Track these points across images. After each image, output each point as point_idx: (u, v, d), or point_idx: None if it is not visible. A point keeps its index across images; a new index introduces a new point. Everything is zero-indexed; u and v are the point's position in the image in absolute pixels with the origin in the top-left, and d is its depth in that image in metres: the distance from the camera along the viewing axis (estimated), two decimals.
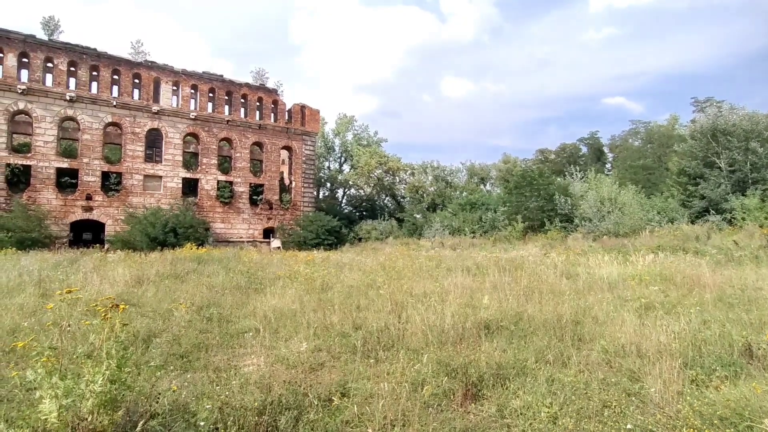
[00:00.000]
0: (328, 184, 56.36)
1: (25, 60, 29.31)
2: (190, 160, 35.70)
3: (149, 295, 10.34)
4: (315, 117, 40.56)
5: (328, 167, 58.17)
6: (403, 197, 56.07)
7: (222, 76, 35.95)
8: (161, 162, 33.23)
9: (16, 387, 4.78)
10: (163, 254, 20.17)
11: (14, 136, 29.63)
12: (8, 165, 28.17)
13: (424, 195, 52.72)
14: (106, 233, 30.06)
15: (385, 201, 58.27)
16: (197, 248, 22.59)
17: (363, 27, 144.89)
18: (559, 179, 35.84)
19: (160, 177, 32.74)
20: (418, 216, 43.56)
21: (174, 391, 3.56)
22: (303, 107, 39.86)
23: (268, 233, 36.98)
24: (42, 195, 28.63)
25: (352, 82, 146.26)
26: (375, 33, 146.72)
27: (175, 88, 34.11)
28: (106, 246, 26.77)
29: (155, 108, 32.48)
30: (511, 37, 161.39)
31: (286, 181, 40.38)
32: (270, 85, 38.89)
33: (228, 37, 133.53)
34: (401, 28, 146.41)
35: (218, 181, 34.98)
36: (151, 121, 32.59)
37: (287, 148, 39.28)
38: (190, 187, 34.43)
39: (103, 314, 3.48)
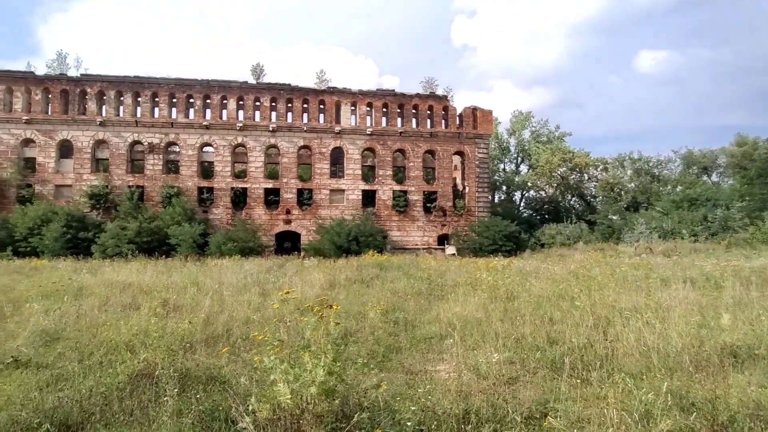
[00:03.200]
0: (504, 187, 54.90)
1: (241, 102, 37.02)
2: (368, 173, 39.33)
3: (341, 297, 11.65)
4: (487, 118, 40.14)
5: (504, 169, 56.72)
6: (594, 197, 50.81)
7: (393, 90, 38.80)
8: (343, 177, 37.56)
9: (257, 369, 5.91)
10: (348, 261, 22.49)
11: (235, 164, 37.53)
12: (232, 188, 35.89)
13: (622, 193, 46.74)
14: (301, 242, 35.39)
15: (571, 202, 53.77)
16: (378, 255, 24.60)
17: (528, 16, 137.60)
18: None
19: (343, 190, 37.01)
20: (614, 217, 38.80)
21: (383, 389, 3.86)
22: (474, 110, 39.91)
23: (442, 240, 37.97)
24: (255, 211, 35.53)
25: (523, 77, 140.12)
26: (541, 18, 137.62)
27: (353, 108, 38.24)
28: (303, 253, 31.40)
29: (337, 128, 37.00)
30: None
31: (459, 187, 40.87)
32: (439, 92, 40.23)
33: (393, 53, 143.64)
34: (572, 6, 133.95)
35: (393, 191, 37.64)
36: (334, 141, 37.20)
37: (459, 153, 39.82)
38: (368, 198, 37.93)
39: (319, 313, 4.02)
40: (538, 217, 49.55)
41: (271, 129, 36.34)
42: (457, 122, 39.85)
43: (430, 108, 39.40)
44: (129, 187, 34.32)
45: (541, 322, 7.99)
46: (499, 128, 54.96)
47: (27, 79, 34.96)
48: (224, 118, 36.75)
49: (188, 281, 13.52)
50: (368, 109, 38.60)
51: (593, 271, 13.43)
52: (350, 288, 13.22)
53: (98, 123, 34.78)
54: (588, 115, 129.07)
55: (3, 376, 5.81)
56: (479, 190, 39.28)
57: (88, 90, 35.22)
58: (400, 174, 40.02)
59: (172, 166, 36.86)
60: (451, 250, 35.70)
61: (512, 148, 57.13)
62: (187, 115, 36.47)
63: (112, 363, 6.02)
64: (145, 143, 35.43)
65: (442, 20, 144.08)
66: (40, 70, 36.69)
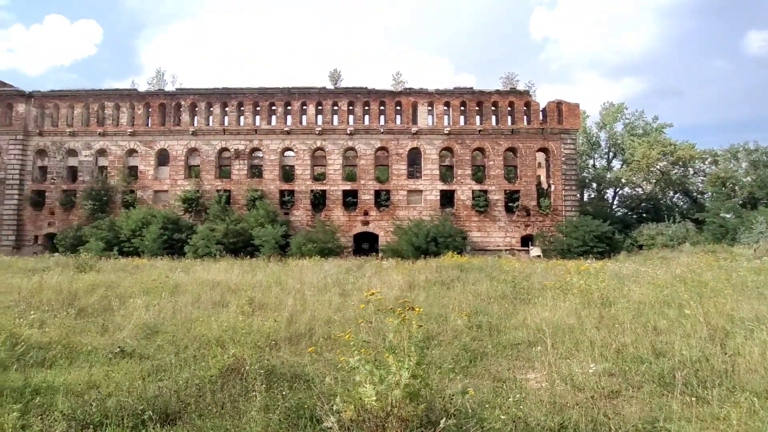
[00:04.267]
0: (594, 185, 51.43)
1: (320, 107, 38.48)
2: (446, 173, 38.87)
3: (421, 299, 11.54)
4: (574, 112, 37.86)
5: (593, 165, 53.14)
6: (701, 193, 45.91)
7: (471, 88, 37.99)
8: (421, 177, 37.49)
9: (340, 369, 6.00)
10: (427, 262, 22.36)
11: (315, 167, 39.03)
12: (312, 191, 37.38)
13: (736, 188, 41.69)
14: (379, 243, 35.87)
15: (674, 199, 49.06)
16: (458, 256, 24.18)
17: (613, 2, 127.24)
18: None
19: (421, 191, 36.93)
20: (727, 216, 34.64)
21: (470, 396, 3.70)
22: (559, 104, 37.85)
23: (526, 241, 36.40)
24: (334, 213, 36.67)
25: (610, 67, 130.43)
26: (628, 3, 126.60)
27: (430, 108, 38.06)
28: (380, 254, 31.78)
29: (414, 129, 37.02)
30: None
31: (544, 185, 38.94)
32: (520, 87, 38.63)
33: (469, 51, 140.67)
34: None
35: (473, 191, 36.81)
36: (411, 141, 37.26)
37: (543, 150, 37.98)
38: (446, 198, 37.48)
39: (400, 315, 3.95)
40: (635, 216, 45.65)
41: (348, 132, 37.34)
42: (540, 118, 38.02)
43: (511, 104, 38.01)
44: (217, 191, 37.16)
45: (643, 332, 7.35)
46: (587, 122, 51.61)
47: (131, 95, 39.38)
48: (304, 123, 38.41)
49: (272, 281, 14.22)
50: (445, 108, 38.20)
51: (704, 276, 12.21)
52: (430, 290, 13.08)
53: (191, 132, 38.18)
54: (688, 103, 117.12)
55: (112, 365, 6.46)
56: (566, 188, 37.13)
57: (182, 103, 38.77)
58: (479, 173, 39.10)
59: (256, 171, 39.25)
60: (536, 251, 34.11)
61: (603, 143, 53.34)
62: (269, 122, 38.73)
63: (205, 357, 6.42)
64: (232, 150, 38.16)
65: (520, 14, 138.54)
66: (142, 87, 40.88)
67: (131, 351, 7.08)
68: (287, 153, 38.82)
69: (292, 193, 37.65)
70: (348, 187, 37.42)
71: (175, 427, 4.40)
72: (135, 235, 32.73)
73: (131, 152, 39.02)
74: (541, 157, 39.27)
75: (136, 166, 38.94)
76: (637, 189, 49.65)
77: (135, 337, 7.87)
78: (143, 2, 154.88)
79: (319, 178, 39.02)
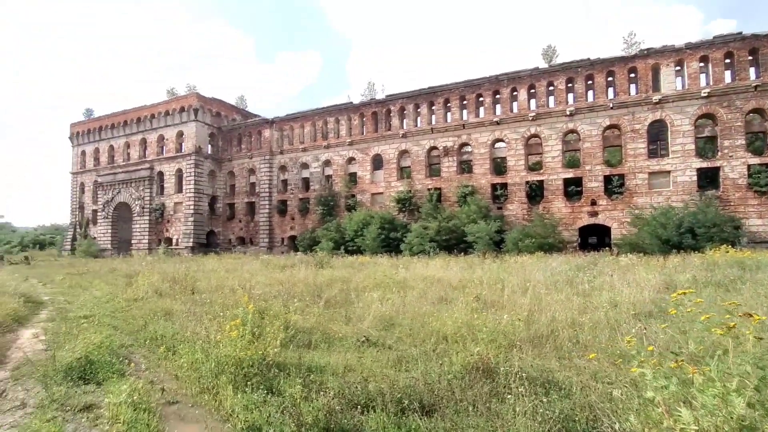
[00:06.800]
0: None
1: (532, 91, 36.80)
2: (705, 147, 32.40)
3: (688, 303, 9.58)
4: None
5: None
6: None
7: (740, 33, 30.64)
8: (667, 155, 32.06)
9: (601, 379, 5.33)
10: (684, 258, 19.14)
11: (529, 157, 37.46)
12: (527, 182, 35.96)
13: None
14: (612, 236, 32.08)
15: None
16: (732, 250, 19.84)
17: None
18: None
19: (668, 172, 31.55)
20: None
21: None
22: None
23: None
24: (553, 204, 34.47)
25: None
26: None
27: (678, 68, 32.26)
28: (614, 249, 28.37)
29: (656, 98, 31.90)
30: None
31: None
32: None
33: None
34: None
35: (749, 166, 29.58)
36: (652, 113, 32.22)
37: None
38: (706, 178, 31.16)
39: (729, 325, 3.13)
40: None
41: (568, 113, 34.63)
42: None
43: None
44: (428, 190, 39.33)
45: None
46: None
47: (348, 108, 45.19)
48: (515, 110, 37.34)
49: (492, 278, 14.02)
50: (701, 65, 31.80)
51: None
52: (701, 293, 10.81)
53: (401, 135, 41.39)
54: None
55: (360, 352, 7.14)
56: None
57: (392, 108, 42.41)
58: (757, 142, 31.42)
59: (465, 166, 39.96)
60: None
61: None
62: (477, 115, 38.95)
63: (446, 352, 6.54)
64: (440, 148, 39.78)
65: None
66: (356, 99, 46.35)
67: (375, 341, 7.74)
68: (497, 144, 38.33)
69: (504, 186, 36.98)
70: (570, 175, 34.68)
71: (433, 420, 4.48)
72: (357, 235, 37.45)
73: (350, 160, 44.70)
74: None
75: (356, 173, 44.40)
76: None
77: (375, 328, 8.61)
78: (352, 26, 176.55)
79: (534, 167, 37.34)
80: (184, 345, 7.17)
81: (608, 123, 33.59)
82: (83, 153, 60.85)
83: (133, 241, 53.32)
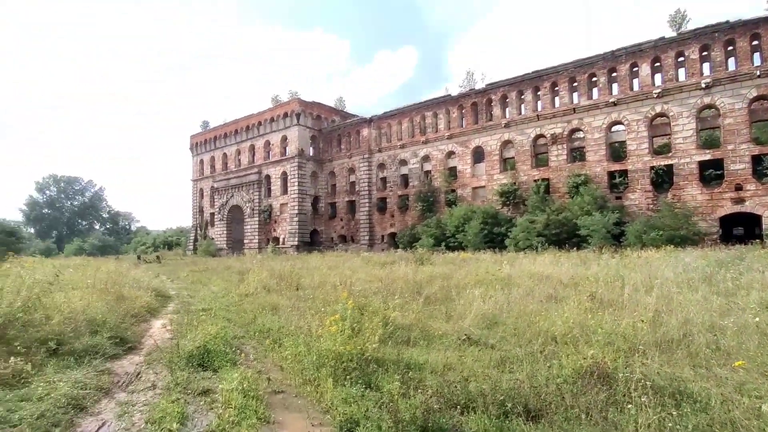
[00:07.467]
0: None
1: (656, 64, 33.41)
2: None
3: None
4: None
5: None
6: None
7: None
8: None
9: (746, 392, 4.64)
10: None
11: (653, 139, 34.06)
12: (652, 168, 32.68)
13: None
14: (763, 226, 27.96)
15: None
16: None
17: None
18: None
19: None
20: None
21: None
22: None
23: None
24: (686, 191, 30.96)
25: None
26: None
27: None
28: (767, 242, 24.74)
29: None
30: None
31: None
32: None
33: None
34: None
35: None
36: None
37: None
38: None
39: None
40: None
41: (703, 86, 30.76)
42: None
43: None
44: (534, 181, 37.55)
45: None
46: None
47: (446, 101, 44.77)
48: (635, 88, 34.19)
49: (610, 275, 12.96)
50: None
51: None
52: None
53: (503, 125, 40.05)
54: None
55: (461, 350, 7.00)
56: None
57: (493, 97, 41.20)
58: None
59: (576, 154, 37.48)
60: None
61: None
62: (590, 97, 36.29)
63: (555, 354, 6.15)
64: (548, 135, 37.74)
65: None
66: (454, 91, 45.60)
67: (476, 339, 7.53)
68: (615, 128, 35.41)
69: (623, 173, 34.06)
70: (707, 157, 30.84)
71: (540, 426, 4.21)
72: (458, 230, 37.07)
73: (450, 154, 44.26)
74: None
75: (455, 167, 43.89)
76: None
77: (476, 326, 8.38)
78: (445, 13, 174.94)
79: (660, 150, 33.94)
80: (288, 338, 7.64)
81: (755, 94, 29.27)
82: (201, 162, 67.61)
83: (245, 241, 57.98)
